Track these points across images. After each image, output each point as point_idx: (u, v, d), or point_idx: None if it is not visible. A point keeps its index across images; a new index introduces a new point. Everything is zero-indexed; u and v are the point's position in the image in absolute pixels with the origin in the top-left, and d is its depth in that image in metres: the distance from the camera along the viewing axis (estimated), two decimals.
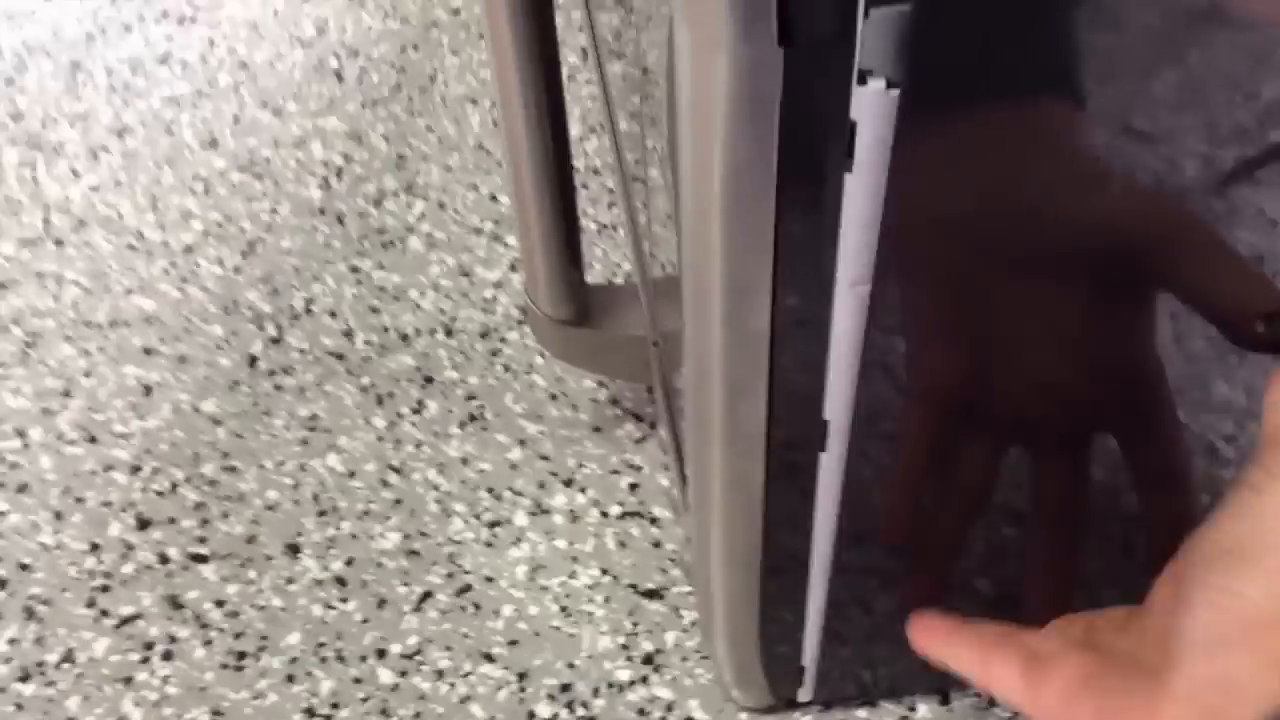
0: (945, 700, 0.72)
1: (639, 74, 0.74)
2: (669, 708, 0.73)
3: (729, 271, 0.46)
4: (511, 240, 0.98)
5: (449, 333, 0.92)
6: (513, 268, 0.96)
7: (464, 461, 0.84)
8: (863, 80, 0.41)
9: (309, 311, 0.94)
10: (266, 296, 0.95)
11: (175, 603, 0.79)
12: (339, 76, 1.11)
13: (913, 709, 0.72)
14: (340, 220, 1.00)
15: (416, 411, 0.87)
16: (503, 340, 0.91)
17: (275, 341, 0.92)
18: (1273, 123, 0.43)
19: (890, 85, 0.41)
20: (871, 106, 0.41)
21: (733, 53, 0.39)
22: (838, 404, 0.52)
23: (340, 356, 0.91)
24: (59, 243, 1.00)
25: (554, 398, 0.88)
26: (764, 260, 0.46)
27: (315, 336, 0.92)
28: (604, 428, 0.86)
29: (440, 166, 1.03)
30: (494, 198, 1.01)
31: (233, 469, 0.85)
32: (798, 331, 0.49)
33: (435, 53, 1.12)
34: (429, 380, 0.89)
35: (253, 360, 0.91)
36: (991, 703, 0.72)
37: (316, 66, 1.12)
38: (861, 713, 0.72)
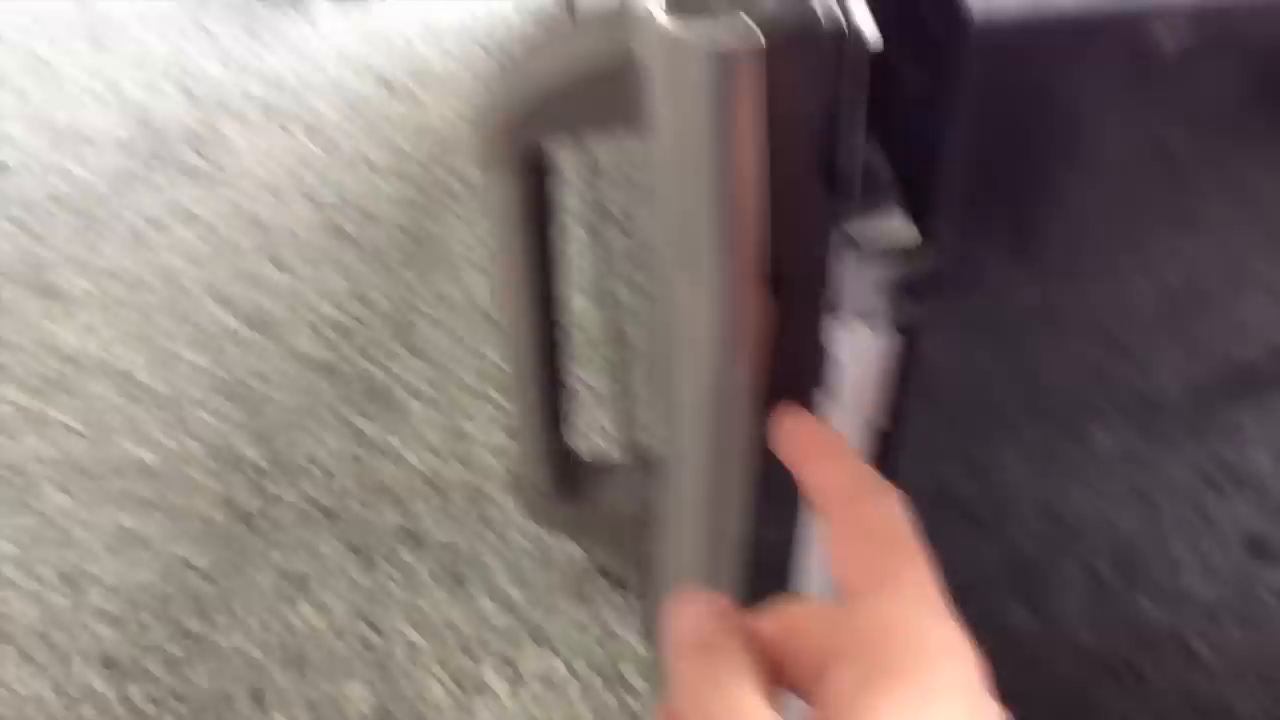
0: None
1: (643, 250, 0.77)
2: None
3: (711, 484, 0.47)
4: (508, 405, 0.99)
5: (438, 492, 0.93)
6: (506, 432, 0.97)
7: (442, 621, 0.84)
8: (841, 320, 0.43)
9: (303, 467, 0.95)
10: (263, 451, 0.96)
11: None
12: (351, 239, 1.15)
13: None
14: (342, 378, 1.02)
15: (399, 568, 0.87)
16: (490, 502, 0.92)
17: (267, 495, 0.93)
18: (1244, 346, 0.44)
19: (870, 329, 0.43)
20: (849, 344, 0.43)
21: (723, 301, 0.41)
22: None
23: (329, 512, 0.92)
24: (67, 391, 1.02)
25: (536, 560, 0.88)
26: (744, 477, 0.47)
27: (306, 491, 0.93)
28: (584, 592, 0.85)
29: (443, 330, 1.06)
30: (494, 362, 1.03)
31: (212, 621, 0.85)
32: (770, 541, 0.49)
33: (445, 220, 1.16)
34: (413, 537, 0.90)
35: (243, 512, 0.92)
36: None
37: (330, 228, 1.16)
38: None
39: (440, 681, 0.81)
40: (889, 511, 0.36)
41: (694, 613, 0.36)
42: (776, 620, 0.37)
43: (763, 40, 0.34)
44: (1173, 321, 0.43)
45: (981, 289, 0.42)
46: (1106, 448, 0.47)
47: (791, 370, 0.44)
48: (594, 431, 0.97)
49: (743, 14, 0.34)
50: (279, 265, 1.13)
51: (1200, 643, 0.57)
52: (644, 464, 0.80)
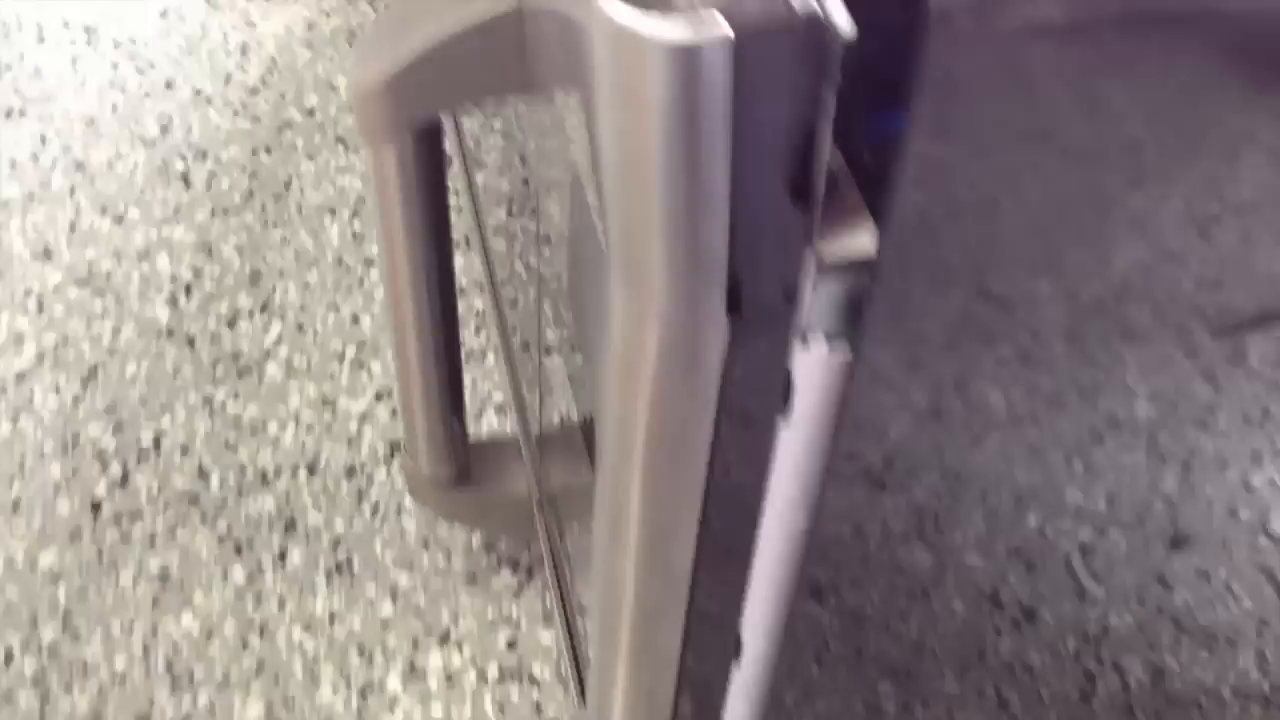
0: None
1: (537, 233, 0.71)
2: None
3: (650, 518, 0.44)
4: (376, 366, 0.94)
5: (312, 471, 0.87)
6: (378, 397, 0.92)
7: (332, 618, 0.80)
8: (804, 340, 0.39)
9: (158, 448, 0.88)
10: (110, 431, 0.88)
11: None
12: (186, 181, 1.05)
13: None
14: (190, 343, 0.94)
15: (279, 562, 0.82)
16: (369, 479, 0.87)
17: (121, 483, 0.86)
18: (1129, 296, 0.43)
19: (832, 347, 0.40)
20: (812, 366, 0.40)
21: (672, 321, 0.37)
22: (757, 626, 0.51)
23: (194, 499, 0.85)
24: None
25: (426, 544, 0.84)
26: (691, 506, 0.44)
27: (166, 476, 0.86)
28: (479, 576, 0.82)
29: (298, 283, 0.98)
30: (356, 319, 0.96)
31: (75, 633, 0.78)
32: (722, 567, 0.47)
33: (289, 157, 1.07)
34: (291, 525, 0.84)
35: (96, 505, 0.84)
36: None
37: (161, 169, 1.06)
38: None
39: (335, 687, 0.77)
40: None
41: None
42: None
43: (729, 31, 0.29)
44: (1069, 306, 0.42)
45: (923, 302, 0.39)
46: (1001, 412, 0.47)
47: (750, 395, 0.41)
48: (467, 389, 0.92)
49: (703, 3, 0.30)
50: (105, 212, 1.02)
51: (1088, 578, 0.58)
52: (539, 443, 0.76)
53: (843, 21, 0.30)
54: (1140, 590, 0.61)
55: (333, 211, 1.03)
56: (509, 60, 0.49)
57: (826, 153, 0.33)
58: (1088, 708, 0.68)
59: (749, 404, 0.40)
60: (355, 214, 1.03)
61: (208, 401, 0.90)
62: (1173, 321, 0.44)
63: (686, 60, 0.28)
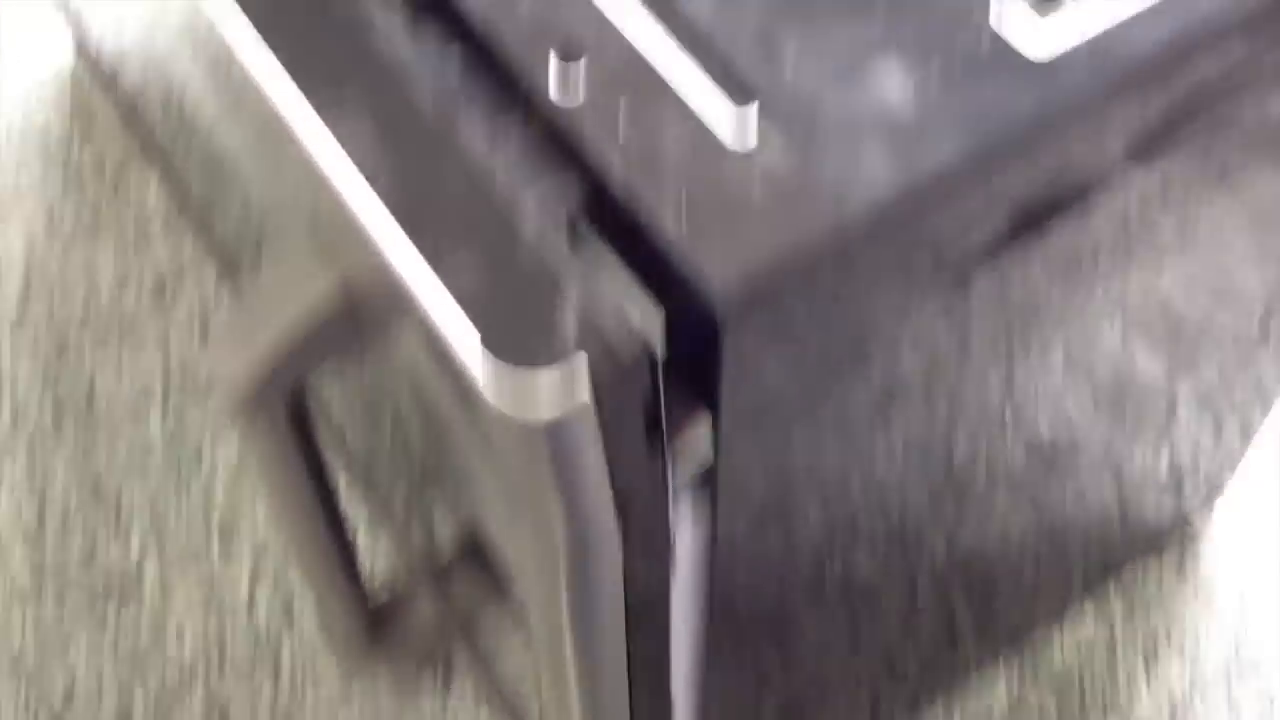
0: None
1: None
2: None
3: (583, 654, 0.54)
4: (244, 528, 0.99)
5: (222, 656, 0.93)
6: (255, 561, 0.98)
7: None
8: (674, 501, 0.50)
9: (74, 688, 0.92)
10: (25, 688, 0.92)
11: None
12: None
13: None
14: (63, 579, 0.97)
15: None
16: (278, 638, 0.94)
17: None
18: None
19: (695, 500, 0.51)
20: (684, 515, 0.51)
21: (577, 552, 0.47)
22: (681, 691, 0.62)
23: None
24: None
25: (349, 679, 0.92)
26: (617, 632, 0.54)
27: (93, 714, 0.91)
28: (405, 691, 0.91)
29: (140, 483, 1.02)
30: (207, 496, 1.02)
31: None
32: (647, 657, 0.58)
33: (82, 358, 1.09)
34: (224, 715, 0.90)
35: None
36: None
37: None
38: None
39: None
40: None
41: None
42: None
43: (588, 399, 0.39)
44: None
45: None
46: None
47: (643, 553, 0.52)
48: None
49: (559, 367, 0.39)
50: None
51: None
52: (438, 570, 0.85)
53: (658, 346, 0.41)
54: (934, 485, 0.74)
55: (146, 397, 1.07)
56: (346, 325, 0.58)
57: (663, 402, 0.44)
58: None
59: (643, 558, 0.51)
60: (165, 396, 1.07)
61: (102, 625, 0.95)
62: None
63: (559, 430, 0.39)
